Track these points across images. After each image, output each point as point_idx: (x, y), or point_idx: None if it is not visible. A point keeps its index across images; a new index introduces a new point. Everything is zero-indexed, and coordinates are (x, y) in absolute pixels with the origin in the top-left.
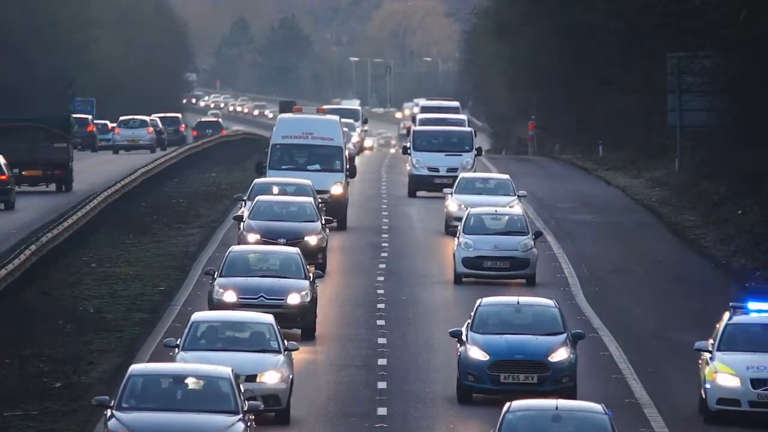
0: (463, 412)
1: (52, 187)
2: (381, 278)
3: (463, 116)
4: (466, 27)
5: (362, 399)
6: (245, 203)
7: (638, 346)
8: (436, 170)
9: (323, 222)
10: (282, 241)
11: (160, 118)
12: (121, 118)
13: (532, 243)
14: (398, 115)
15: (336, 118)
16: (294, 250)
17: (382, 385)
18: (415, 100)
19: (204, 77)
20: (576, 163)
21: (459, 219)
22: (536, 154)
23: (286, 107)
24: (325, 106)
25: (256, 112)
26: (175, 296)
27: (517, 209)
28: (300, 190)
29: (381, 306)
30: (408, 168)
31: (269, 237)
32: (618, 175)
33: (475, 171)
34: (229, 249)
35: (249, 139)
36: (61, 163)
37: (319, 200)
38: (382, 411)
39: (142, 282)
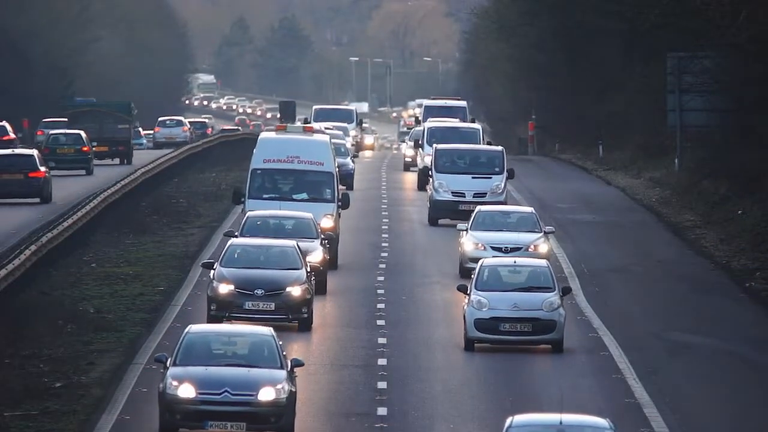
0: (463, 412)
1: (116, 161)
2: (381, 278)
3: (477, 125)
4: (466, 27)
5: (362, 399)
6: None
7: (638, 346)
8: (462, 195)
9: (321, 259)
10: (259, 292)
11: (190, 122)
12: (160, 118)
13: (559, 301)
14: (404, 113)
15: (326, 138)
16: (267, 331)
17: (382, 385)
18: (417, 101)
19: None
20: (576, 163)
21: (475, 260)
22: (536, 154)
23: (286, 107)
24: (319, 106)
25: (268, 115)
26: (175, 296)
27: (542, 248)
28: (299, 226)
29: (381, 306)
30: (428, 191)
31: (244, 288)
32: (618, 175)
33: (506, 198)
34: (186, 329)
35: (249, 139)
36: (123, 140)
37: (322, 236)
38: (382, 411)
39: (142, 282)
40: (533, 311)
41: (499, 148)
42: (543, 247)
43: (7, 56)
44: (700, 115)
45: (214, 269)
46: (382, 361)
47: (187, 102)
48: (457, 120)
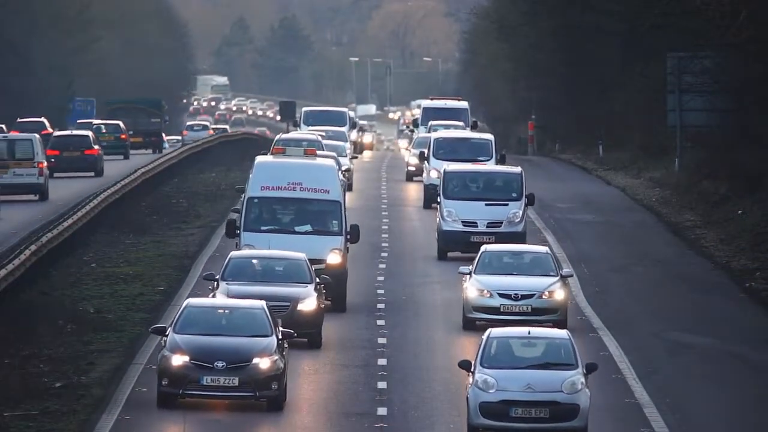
0: (463, 413)
1: (149, 150)
2: (381, 278)
3: (489, 136)
4: (466, 27)
5: (362, 399)
6: (217, 285)
7: (638, 346)
8: (474, 225)
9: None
10: (220, 364)
11: (213, 128)
12: (188, 123)
13: (583, 380)
14: (408, 113)
15: (332, 162)
16: None
17: (382, 385)
18: (417, 101)
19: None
20: (576, 163)
21: (480, 309)
22: (536, 154)
23: (286, 107)
24: (309, 108)
25: (279, 117)
26: (175, 296)
27: (558, 295)
28: (291, 269)
29: (381, 306)
30: (437, 220)
31: (201, 360)
32: (618, 175)
33: (524, 228)
34: None
35: (249, 139)
36: (155, 132)
37: (318, 279)
38: (382, 411)
39: (142, 282)
40: (551, 393)
41: (518, 169)
42: (559, 294)
43: (7, 56)
44: (700, 115)
45: (166, 335)
46: (382, 361)
47: (195, 102)
48: (461, 123)
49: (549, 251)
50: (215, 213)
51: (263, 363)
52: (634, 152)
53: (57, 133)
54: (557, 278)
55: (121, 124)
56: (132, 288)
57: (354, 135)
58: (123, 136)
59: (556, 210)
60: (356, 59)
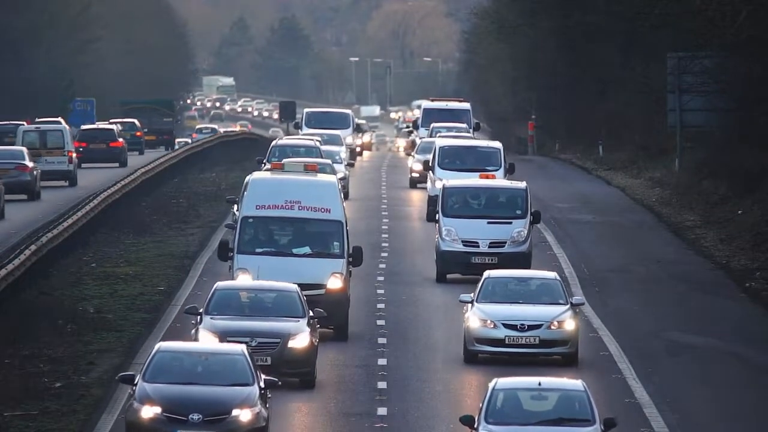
0: (463, 412)
1: (161, 148)
2: (381, 278)
3: (498, 144)
4: (466, 27)
5: (362, 399)
6: (200, 320)
7: (638, 346)
8: (475, 245)
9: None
10: (195, 417)
11: (224, 131)
12: (197, 126)
13: None
14: (410, 113)
15: (333, 179)
16: None
17: (382, 385)
18: (417, 102)
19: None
20: (576, 163)
21: (483, 341)
22: (536, 154)
23: (286, 107)
24: (311, 109)
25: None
26: (175, 296)
27: (567, 325)
28: (282, 301)
29: (381, 306)
30: (435, 239)
31: (175, 412)
32: (618, 175)
33: (530, 248)
34: None
35: (249, 139)
36: (168, 131)
37: (311, 313)
38: (382, 411)
39: (142, 282)
40: None
41: (522, 185)
42: (569, 324)
43: (7, 56)
44: (700, 115)
45: (135, 384)
46: (382, 361)
47: (198, 103)
48: (463, 125)
49: (557, 277)
50: (215, 213)
51: (244, 415)
52: (634, 152)
53: (84, 126)
54: (567, 307)
55: (137, 122)
56: (132, 288)
57: (351, 139)
58: (138, 134)
59: (556, 210)
60: (356, 59)
